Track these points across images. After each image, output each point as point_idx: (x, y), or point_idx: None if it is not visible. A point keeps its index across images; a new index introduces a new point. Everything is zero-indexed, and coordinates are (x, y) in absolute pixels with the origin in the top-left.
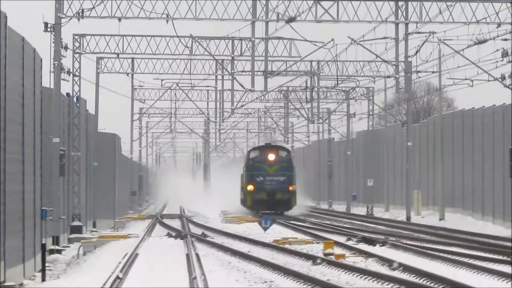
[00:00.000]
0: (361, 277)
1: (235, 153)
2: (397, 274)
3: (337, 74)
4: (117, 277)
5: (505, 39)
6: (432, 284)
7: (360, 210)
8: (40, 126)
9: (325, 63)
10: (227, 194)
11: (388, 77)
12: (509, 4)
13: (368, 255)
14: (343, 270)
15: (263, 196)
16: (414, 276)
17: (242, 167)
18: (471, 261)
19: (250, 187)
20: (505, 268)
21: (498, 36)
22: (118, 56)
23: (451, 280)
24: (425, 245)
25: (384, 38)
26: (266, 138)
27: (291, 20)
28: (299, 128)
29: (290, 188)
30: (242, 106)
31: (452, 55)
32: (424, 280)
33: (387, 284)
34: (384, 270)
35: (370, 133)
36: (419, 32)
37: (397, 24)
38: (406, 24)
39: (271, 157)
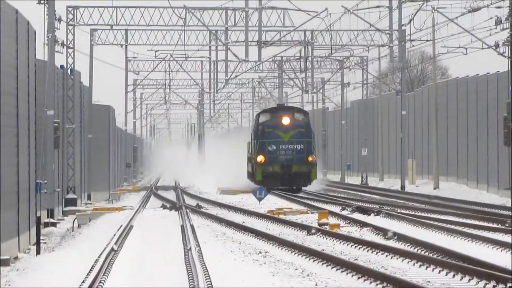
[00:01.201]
0: (356, 246)
1: (230, 123)
2: (392, 243)
3: (331, 43)
4: (112, 249)
5: (499, 7)
6: (426, 253)
7: (355, 179)
8: (34, 98)
9: (319, 32)
10: (224, 167)
11: (382, 46)
12: None
13: (363, 224)
14: (337, 240)
15: (277, 169)
16: (408, 245)
17: (250, 133)
18: (465, 229)
19: (260, 158)
20: (500, 237)
21: (491, 4)
22: (112, 27)
23: (445, 249)
24: (419, 214)
25: (378, 7)
26: (279, 100)
27: None
28: (293, 98)
29: (310, 158)
30: (236, 76)
31: (446, 23)
32: (418, 249)
33: (382, 254)
34: (378, 239)
35: (364, 102)
36: (412, 1)
37: None
38: None
39: (286, 120)
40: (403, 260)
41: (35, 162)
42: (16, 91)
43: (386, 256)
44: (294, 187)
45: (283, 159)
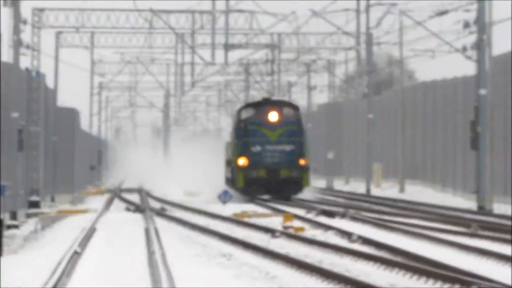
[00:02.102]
0: (320, 249)
1: (195, 126)
2: (356, 246)
3: (298, 46)
4: (75, 252)
5: (467, 10)
6: (391, 257)
7: (320, 183)
8: None
9: (286, 35)
10: (190, 170)
11: (349, 49)
12: None
13: (328, 227)
14: (302, 242)
15: (262, 174)
16: (373, 248)
17: (230, 131)
18: (430, 233)
19: (242, 161)
20: (465, 240)
21: (459, 7)
22: (77, 30)
23: (410, 252)
24: (384, 217)
25: (345, 10)
26: (269, 93)
27: None
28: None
29: (301, 161)
30: (202, 79)
31: (413, 26)
32: (382, 252)
33: (346, 257)
34: (343, 242)
35: (331, 105)
36: (380, 4)
37: None
38: None
39: (273, 116)
40: (367, 263)
41: None
42: None
43: (351, 259)
44: (284, 196)
45: (269, 162)
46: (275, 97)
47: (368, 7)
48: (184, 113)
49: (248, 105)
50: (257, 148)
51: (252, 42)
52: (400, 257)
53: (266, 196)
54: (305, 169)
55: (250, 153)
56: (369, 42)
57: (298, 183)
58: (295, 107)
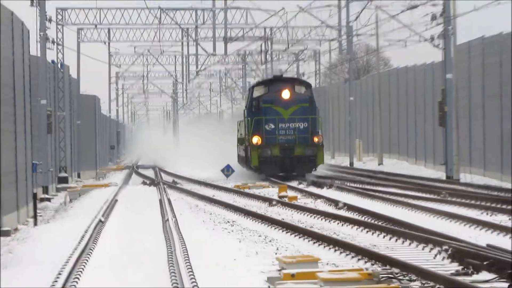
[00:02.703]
0: (311, 215)
1: (200, 110)
2: (342, 212)
3: (288, 38)
4: (100, 221)
5: (434, 5)
6: (372, 221)
7: None
8: (29, 89)
9: (277, 29)
10: (196, 148)
11: (332, 40)
12: None
13: (317, 196)
14: (295, 210)
15: (276, 152)
16: (357, 214)
17: (243, 110)
18: (406, 200)
19: (256, 140)
20: (436, 205)
21: (427, 2)
22: (96, 27)
23: (389, 217)
24: (366, 187)
25: (328, 6)
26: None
27: None
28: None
29: (315, 139)
30: (205, 68)
31: (388, 19)
32: (365, 217)
33: (334, 222)
34: (331, 209)
35: (317, 89)
36: (358, 0)
37: None
38: None
39: (286, 94)
40: (352, 227)
41: (31, 145)
42: (13, 83)
43: (338, 223)
44: (296, 174)
45: (283, 140)
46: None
47: (348, 3)
48: (190, 98)
49: (260, 83)
50: (271, 126)
51: (248, 35)
52: (380, 221)
53: (280, 174)
54: (319, 147)
55: (264, 132)
56: (349, 34)
57: (312, 161)
58: (307, 84)
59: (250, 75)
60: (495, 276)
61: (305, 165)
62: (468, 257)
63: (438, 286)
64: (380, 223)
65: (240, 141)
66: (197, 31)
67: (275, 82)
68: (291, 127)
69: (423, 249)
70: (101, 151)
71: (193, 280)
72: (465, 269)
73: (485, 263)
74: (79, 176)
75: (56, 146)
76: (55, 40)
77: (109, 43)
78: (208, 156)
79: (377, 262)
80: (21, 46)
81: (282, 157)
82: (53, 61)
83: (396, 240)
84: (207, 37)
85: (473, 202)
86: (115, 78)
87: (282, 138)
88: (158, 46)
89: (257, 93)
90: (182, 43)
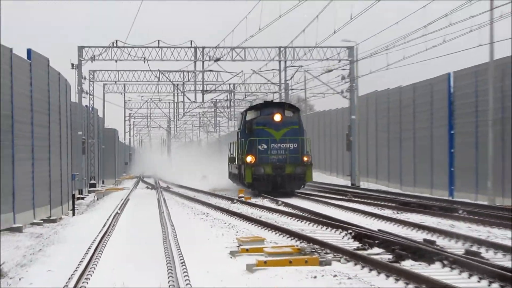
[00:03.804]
0: (260, 209)
1: (185, 139)
2: (281, 207)
3: (245, 91)
4: (117, 213)
5: (343, 69)
6: (301, 213)
7: None
8: (70, 125)
9: (238, 85)
10: (184, 166)
11: (275, 93)
12: (345, 48)
13: (264, 197)
14: (249, 206)
15: (268, 171)
16: (290, 208)
17: (237, 132)
18: (325, 199)
19: (250, 159)
20: (344, 203)
21: (339, 68)
22: (115, 83)
23: (312, 211)
24: (297, 191)
25: (272, 69)
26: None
27: (217, 60)
28: (223, 123)
29: (305, 158)
30: (189, 111)
31: (312, 79)
32: (296, 211)
33: (275, 214)
34: (273, 205)
35: None
36: (292, 66)
37: (279, 62)
38: (285, 61)
39: (277, 117)
40: (287, 217)
41: (71, 162)
42: (59, 120)
43: (278, 215)
44: (286, 190)
45: (275, 160)
46: (232, 120)
47: (285, 67)
48: (179, 131)
49: (252, 107)
50: (263, 146)
51: (218, 89)
52: (306, 213)
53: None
54: (308, 166)
55: (257, 151)
56: (286, 88)
57: (302, 178)
58: (296, 108)
59: (219, 116)
60: (383, 250)
61: (295, 182)
62: (365, 237)
63: (344, 257)
64: (306, 215)
65: (231, 159)
66: (184, 86)
67: (267, 106)
68: (282, 147)
69: (335, 232)
70: (118, 166)
71: (179, 250)
72: (363, 245)
73: (376, 242)
74: (103, 183)
75: (88, 162)
76: (88, 91)
77: (124, 94)
78: (191, 169)
79: (304, 241)
80: (64, 95)
81: (274, 175)
82: (86, 106)
83: (317, 226)
84: (190, 90)
85: (369, 201)
86: (128, 117)
87: (274, 158)
88: (158, 96)
89: (249, 116)
90: (174, 94)
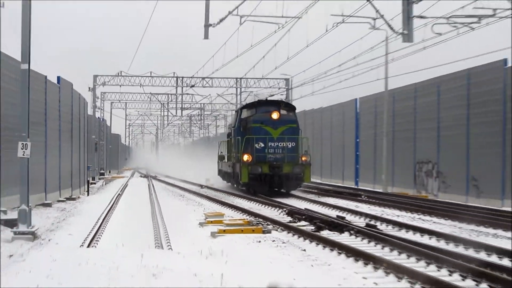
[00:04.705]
0: (221, 193)
1: (169, 142)
2: (238, 191)
3: (211, 109)
4: (119, 194)
5: (282, 94)
6: (249, 196)
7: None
8: (87, 131)
9: (206, 104)
10: (169, 163)
11: (233, 110)
12: (283, 79)
13: (225, 184)
14: (213, 190)
15: (266, 170)
16: (242, 192)
17: (231, 130)
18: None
19: (246, 157)
20: (313, 196)
21: (279, 93)
22: (119, 101)
23: (279, 201)
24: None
25: (231, 93)
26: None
27: (192, 86)
28: (196, 132)
29: (304, 158)
30: (171, 122)
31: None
32: (246, 194)
33: (232, 196)
34: (233, 189)
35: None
36: (245, 91)
37: (236, 88)
38: (240, 88)
39: (274, 114)
40: (240, 199)
41: (87, 157)
42: (78, 128)
43: (234, 197)
44: (283, 190)
45: (272, 159)
46: (202, 129)
47: (241, 92)
48: (164, 136)
49: (247, 105)
50: (261, 145)
51: (192, 107)
52: (254, 196)
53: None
54: (307, 166)
55: (254, 150)
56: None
57: (300, 178)
58: (292, 106)
59: (193, 126)
60: (308, 223)
61: (292, 182)
62: (295, 214)
63: (280, 227)
64: (253, 197)
65: (221, 157)
66: (168, 104)
67: (263, 103)
68: (280, 146)
69: (274, 210)
70: (121, 161)
71: (163, 221)
72: (294, 220)
73: (303, 217)
74: (109, 172)
75: (99, 158)
76: (100, 107)
77: (125, 109)
78: (173, 165)
79: (252, 216)
80: (83, 110)
81: (271, 174)
82: (98, 117)
83: (262, 206)
84: (173, 107)
85: (300, 188)
86: (128, 126)
87: (271, 156)
88: (149, 111)
89: (245, 114)
90: (161, 110)
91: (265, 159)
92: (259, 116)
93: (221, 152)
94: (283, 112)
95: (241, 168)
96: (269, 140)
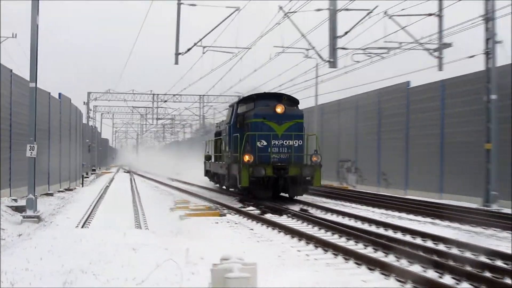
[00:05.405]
0: (189, 185)
1: (148, 145)
2: (212, 185)
3: (180, 119)
4: (107, 186)
5: None
6: (210, 186)
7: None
8: (82, 136)
9: (176, 115)
10: (148, 162)
11: (197, 120)
12: (238, 97)
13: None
14: (182, 183)
15: (269, 172)
16: (202, 183)
17: (217, 129)
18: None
19: (247, 158)
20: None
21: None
22: (108, 113)
23: (218, 187)
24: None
25: (196, 107)
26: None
27: (165, 101)
28: (168, 137)
29: (314, 158)
30: (149, 129)
31: (219, 112)
32: (206, 185)
33: (199, 188)
34: (211, 185)
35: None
36: (207, 105)
37: (200, 103)
38: (203, 103)
39: (278, 108)
40: (203, 189)
41: (81, 156)
42: (75, 134)
43: (200, 188)
44: (289, 196)
45: (276, 159)
46: (183, 129)
47: (203, 106)
48: (143, 140)
49: (245, 98)
50: (263, 143)
51: (166, 117)
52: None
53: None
54: (317, 167)
55: (255, 149)
56: (204, 118)
57: (309, 182)
58: (296, 100)
59: (166, 132)
60: (255, 208)
61: (300, 186)
62: (245, 201)
63: (233, 212)
64: (214, 188)
65: (208, 157)
66: (146, 115)
67: (264, 96)
68: (285, 144)
69: (229, 197)
70: (108, 159)
71: (141, 207)
72: (244, 206)
73: (251, 203)
74: (99, 169)
75: (91, 157)
76: (92, 117)
77: (113, 119)
78: (150, 163)
79: (212, 203)
80: (80, 120)
81: (276, 177)
82: (91, 126)
83: (220, 194)
84: (150, 117)
85: None
86: (115, 132)
87: (275, 157)
88: (132, 121)
89: (242, 109)
90: (140, 120)
91: (268, 159)
92: (260, 110)
93: (207, 152)
94: (288, 105)
95: (240, 170)
96: (273, 138)
